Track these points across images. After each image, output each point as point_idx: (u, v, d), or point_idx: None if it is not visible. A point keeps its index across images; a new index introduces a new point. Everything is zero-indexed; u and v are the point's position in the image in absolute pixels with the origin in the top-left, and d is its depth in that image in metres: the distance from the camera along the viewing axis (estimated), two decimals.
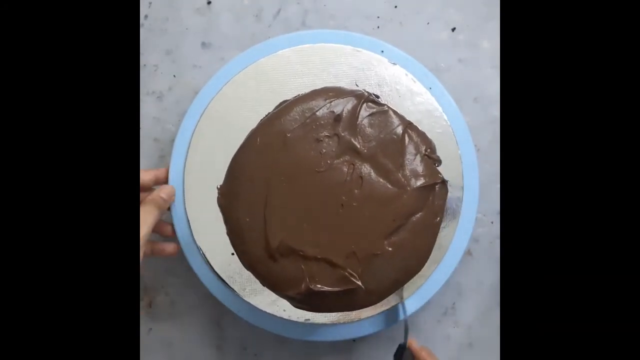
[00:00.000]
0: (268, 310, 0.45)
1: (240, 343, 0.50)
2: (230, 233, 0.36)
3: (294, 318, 0.45)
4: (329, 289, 0.36)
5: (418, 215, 0.36)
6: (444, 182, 0.37)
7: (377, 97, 0.43)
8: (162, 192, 0.43)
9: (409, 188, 0.36)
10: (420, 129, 0.38)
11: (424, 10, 0.50)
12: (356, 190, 0.35)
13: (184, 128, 0.46)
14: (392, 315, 0.46)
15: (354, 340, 0.49)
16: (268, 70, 0.45)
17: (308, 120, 0.35)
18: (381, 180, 0.36)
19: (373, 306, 0.45)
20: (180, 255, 0.47)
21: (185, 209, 0.45)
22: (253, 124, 0.43)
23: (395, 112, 0.37)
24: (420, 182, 0.36)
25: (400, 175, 0.36)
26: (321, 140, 0.35)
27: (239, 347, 0.50)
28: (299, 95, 0.39)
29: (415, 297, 0.46)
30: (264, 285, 0.37)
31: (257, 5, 0.50)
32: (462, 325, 0.50)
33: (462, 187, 0.45)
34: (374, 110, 0.36)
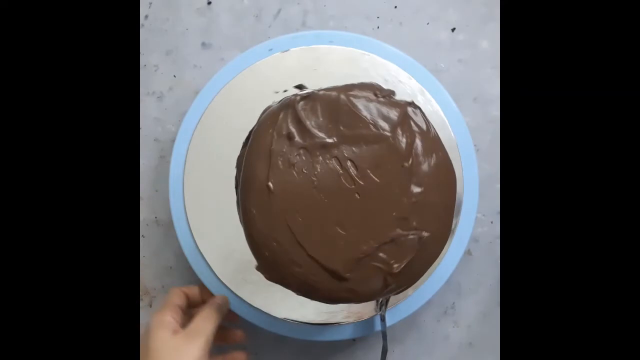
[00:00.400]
0: (268, 311, 0.45)
1: (241, 343, 0.50)
2: (301, 292, 0.36)
3: (294, 318, 0.45)
4: (409, 257, 0.35)
5: (417, 144, 0.35)
6: (410, 104, 0.37)
7: (303, 87, 0.43)
8: (217, 298, 0.41)
9: (389, 134, 0.35)
10: (355, 82, 0.37)
11: (423, 10, 0.50)
12: (355, 173, 0.35)
13: (184, 128, 0.46)
14: (391, 314, 0.46)
15: (353, 340, 0.49)
16: (268, 70, 0.45)
17: (273, 160, 0.35)
18: (365, 147, 0.35)
19: (373, 306, 0.45)
20: (180, 255, 0.47)
21: (185, 209, 0.45)
22: (253, 124, 0.43)
23: (325, 89, 0.37)
24: (393, 121, 0.36)
25: (375, 131, 0.35)
26: (295, 163, 0.35)
27: (239, 347, 0.50)
28: (245, 144, 0.39)
29: (415, 296, 0.46)
30: (358, 303, 0.37)
31: (257, 6, 0.50)
32: (462, 325, 0.50)
33: (462, 187, 0.45)
34: (310, 103, 0.36)
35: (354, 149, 0.35)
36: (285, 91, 0.44)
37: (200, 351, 0.35)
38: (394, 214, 0.35)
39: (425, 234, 0.35)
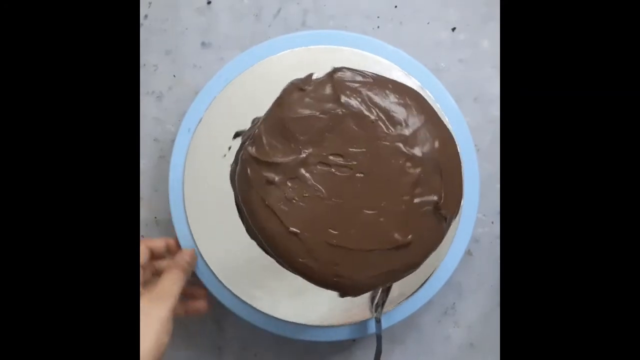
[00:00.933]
0: (268, 311, 0.45)
1: (241, 343, 0.50)
2: (388, 283, 0.37)
3: (294, 319, 0.45)
4: (442, 183, 0.35)
5: (367, 96, 0.35)
6: (333, 71, 0.36)
7: (241, 132, 0.44)
8: (185, 255, 0.42)
9: (338, 109, 0.35)
10: (281, 89, 0.37)
11: (424, 10, 0.50)
12: (343, 160, 0.35)
13: (183, 128, 0.46)
14: (392, 314, 0.46)
15: (353, 340, 0.49)
16: (268, 70, 0.45)
17: (276, 210, 0.35)
18: (332, 135, 0.35)
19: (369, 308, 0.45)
20: None
21: (185, 210, 0.45)
22: (252, 122, 0.43)
23: (262, 120, 0.36)
24: (331, 96, 0.35)
25: (326, 116, 0.35)
26: (293, 197, 0.35)
27: (239, 347, 0.50)
28: (242, 217, 0.40)
29: (416, 297, 0.46)
30: (434, 250, 0.37)
31: (257, 5, 0.50)
32: (463, 326, 0.50)
33: (463, 187, 0.45)
34: (260, 142, 0.35)
35: (325, 144, 0.35)
36: (229, 148, 0.44)
37: (168, 312, 0.36)
38: (400, 162, 0.35)
39: (437, 155, 0.35)
